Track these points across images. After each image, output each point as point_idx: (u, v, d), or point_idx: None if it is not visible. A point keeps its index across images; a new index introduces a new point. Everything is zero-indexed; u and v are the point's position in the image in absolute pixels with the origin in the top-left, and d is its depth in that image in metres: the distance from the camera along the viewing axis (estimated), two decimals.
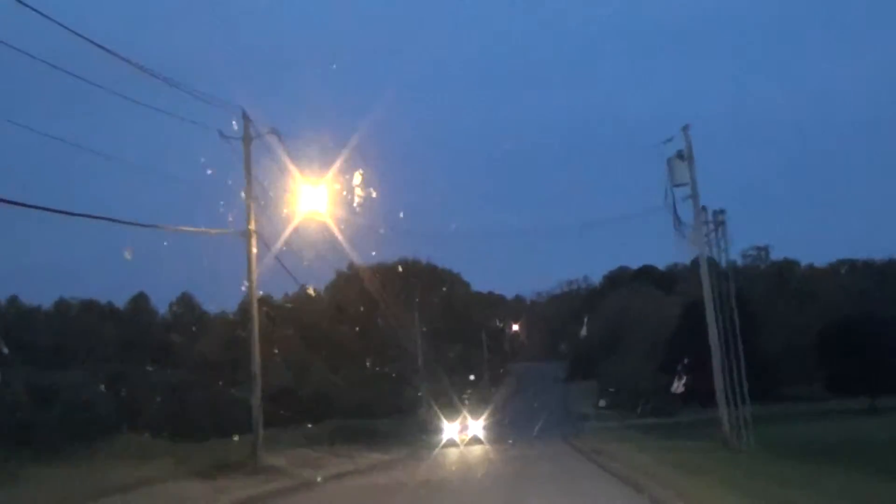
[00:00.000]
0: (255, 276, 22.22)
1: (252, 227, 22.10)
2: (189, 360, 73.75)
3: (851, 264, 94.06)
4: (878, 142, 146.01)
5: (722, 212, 21.37)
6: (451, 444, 39.47)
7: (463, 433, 41.29)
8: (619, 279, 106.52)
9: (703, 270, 23.28)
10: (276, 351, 68.71)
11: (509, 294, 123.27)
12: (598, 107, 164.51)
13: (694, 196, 22.72)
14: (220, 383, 53.57)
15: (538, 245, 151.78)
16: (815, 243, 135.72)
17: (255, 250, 22.15)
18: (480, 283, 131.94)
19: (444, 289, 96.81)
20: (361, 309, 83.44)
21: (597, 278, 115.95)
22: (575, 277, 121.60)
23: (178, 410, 46.89)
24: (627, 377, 62.71)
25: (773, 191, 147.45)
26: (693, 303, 54.49)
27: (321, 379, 70.17)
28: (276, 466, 21.70)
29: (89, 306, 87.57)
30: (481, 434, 41.49)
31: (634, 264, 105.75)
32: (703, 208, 22.20)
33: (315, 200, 22.53)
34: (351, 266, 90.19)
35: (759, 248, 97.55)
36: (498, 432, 45.08)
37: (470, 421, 42.84)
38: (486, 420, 43.66)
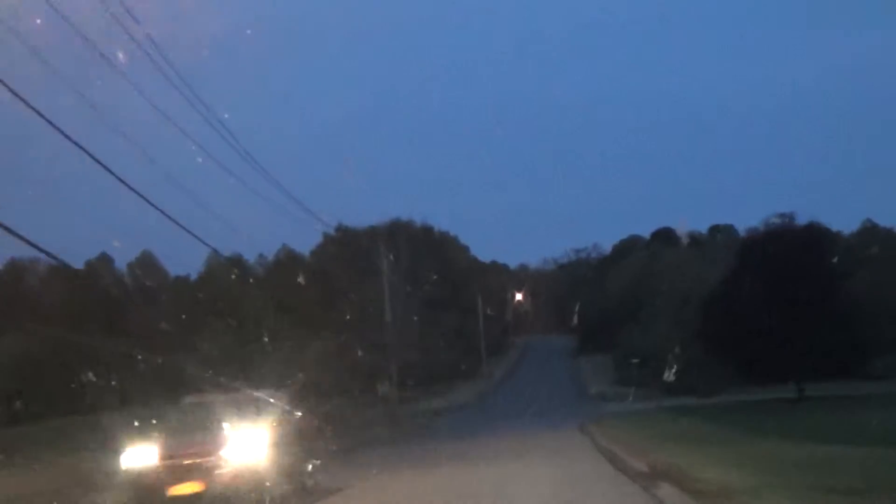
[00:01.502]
0: None
1: None
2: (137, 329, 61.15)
3: (872, 229, 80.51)
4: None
5: None
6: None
7: (180, 472, 11.35)
8: (631, 246, 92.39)
9: None
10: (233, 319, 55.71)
11: (513, 263, 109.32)
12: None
13: None
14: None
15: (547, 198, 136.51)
16: (837, 210, 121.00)
17: None
18: (482, 251, 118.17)
19: (437, 253, 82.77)
20: (344, 275, 70.33)
21: (606, 247, 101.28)
22: (583, 246, 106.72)
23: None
24: (653, 348, 48.19)
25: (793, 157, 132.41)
26: (750, 242, 39.71)
27: (274, 352, 56.55)
28: None
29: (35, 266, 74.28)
30: (263, 457, 12.07)
31: (645, 232, 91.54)
32: None
33: None
34: (339, 228, 77.08)
35: (783, 216, 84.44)
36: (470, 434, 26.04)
37: (226, 431, 11.80)
38: (274, 426, 12.67)
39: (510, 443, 20.82)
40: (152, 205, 15.60)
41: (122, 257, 77.16)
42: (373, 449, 22.76)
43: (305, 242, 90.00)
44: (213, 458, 11.46)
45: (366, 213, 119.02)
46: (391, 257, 51.56)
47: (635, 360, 46.62)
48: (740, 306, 34.72)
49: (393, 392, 36.26)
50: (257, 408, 12.56)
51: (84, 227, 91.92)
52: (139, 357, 52.16)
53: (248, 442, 11.75)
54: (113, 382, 41.38)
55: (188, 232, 19.70)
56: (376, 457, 19.33)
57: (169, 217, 16.87)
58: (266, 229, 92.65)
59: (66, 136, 12.57)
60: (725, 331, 35.67)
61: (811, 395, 35.63)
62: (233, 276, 72.42)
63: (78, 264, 75.65)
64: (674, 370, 37.12)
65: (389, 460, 18.14)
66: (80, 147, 12.39)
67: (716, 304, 37.97)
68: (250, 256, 75.49)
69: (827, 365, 33.73)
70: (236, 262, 73.81)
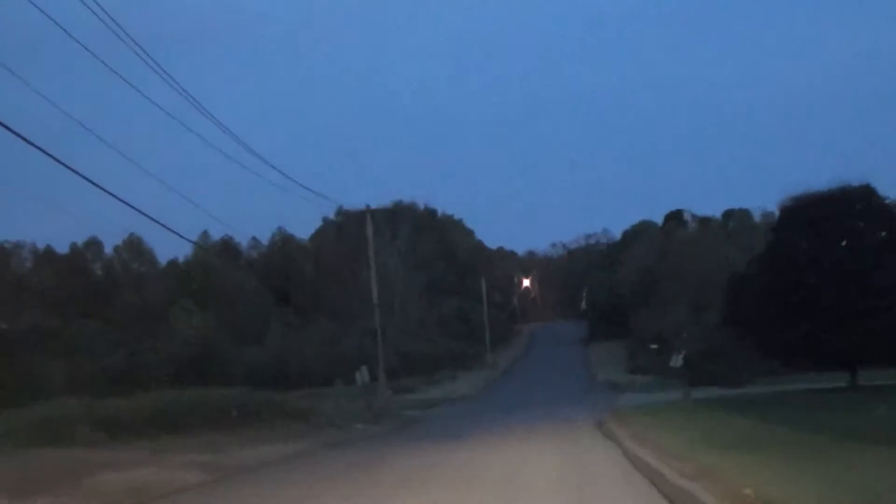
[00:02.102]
0: None
1: None
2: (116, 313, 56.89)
3: None
4: None
5: None
6: None
7: None
8: (643, 231, 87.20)
9: None
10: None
11: (521, 249, 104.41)
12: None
13: None
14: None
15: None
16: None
17: None
18: (488, 237, 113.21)
19: (439, 236, 77.89)
20: (342, 258, 65.64)
21: (616, 232, 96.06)
22: (593, 231, 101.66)
23: None
24: (672, 333, 43.24)
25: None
26: (791, 210, 34.36)
27: (263, 338, 52.02)
28: None
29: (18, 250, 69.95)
30: None
31: (657, 217, 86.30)
32: None
33: None
34: (339, 212, 72.08)
35: (796, 199, 79.68)
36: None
37: None
38: None
39: (505, 447, 15.93)
40: (126, 203, 14.31)
41: (112, 240, 72.81)
42: (312, 457, 17.59)
43: (305, 227, 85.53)
44: None
45: (369, 198, 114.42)
46: (379, 234, 46.82)
47: (654, 346, 41.72)
48: (778, 285, 29.64)
49: (382, 381, 31.36)
50: None
51: (72, 211, 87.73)
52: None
53: None
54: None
55: (167, 228, 17.59)
56: (277, 480, 13.83)
57: (145, 214, 15.55)
58: (266, 213, 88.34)
59: (41, 149, 11.40)
60: (760, 313, 30.59)
61: (862, 384, 30.60)
62: (226, 261, 67.77)
63: (65, 248, 71.31)
64: (682, 355, 32.56)
65: (296, 484, 12.71)
66: (50, 155, 11.79)
67: (747, 284, 32.83)
68: (244, 240, 70.79)
69: (881, 350, 28.60)
70: (227, 245, 69.27)
